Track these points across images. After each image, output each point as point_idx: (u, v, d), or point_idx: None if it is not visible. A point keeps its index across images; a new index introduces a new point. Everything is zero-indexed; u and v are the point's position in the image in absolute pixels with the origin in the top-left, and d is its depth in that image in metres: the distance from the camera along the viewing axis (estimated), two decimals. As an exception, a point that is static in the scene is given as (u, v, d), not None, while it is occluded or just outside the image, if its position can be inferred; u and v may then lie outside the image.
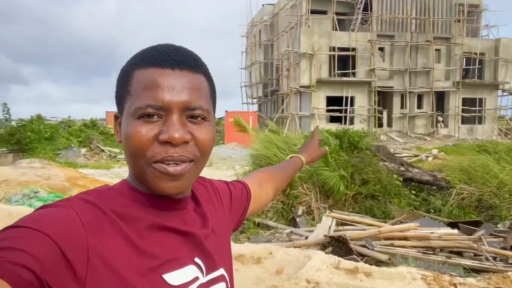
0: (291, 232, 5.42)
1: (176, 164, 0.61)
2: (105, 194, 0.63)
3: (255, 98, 31.38)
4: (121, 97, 0.65)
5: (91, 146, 16.54)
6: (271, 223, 5.76)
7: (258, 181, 1.03)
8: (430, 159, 13.85)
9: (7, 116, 16.49)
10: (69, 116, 19.42)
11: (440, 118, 23.79)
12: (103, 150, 16.43)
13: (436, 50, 24.10)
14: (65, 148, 15.20)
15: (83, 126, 18.60)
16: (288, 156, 1.26)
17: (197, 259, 0.67)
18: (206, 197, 0.80)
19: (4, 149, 14.42)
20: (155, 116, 0.60)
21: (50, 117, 21.32)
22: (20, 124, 15.89)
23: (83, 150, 15.89)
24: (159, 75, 0.61)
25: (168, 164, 0.61)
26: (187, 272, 0.65)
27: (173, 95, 0.61)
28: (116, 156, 15.69)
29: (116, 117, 0.68)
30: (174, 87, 0.61)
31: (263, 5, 29.87)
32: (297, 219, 5.75)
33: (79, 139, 16.79)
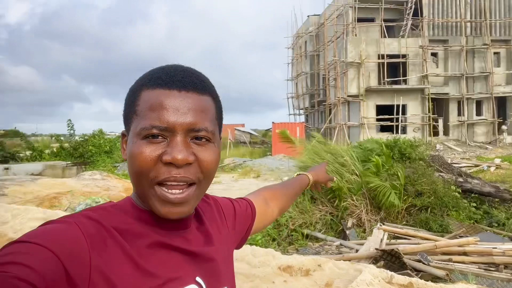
0: (341, 244, 5.30)
1: (179, 187, 0.61)
2: (108, 211, 0.63)
3: (301, 109, 31.27)
4: (128, 116, 0.66)
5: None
6: (320, 235, 5.68)
7: (263, 198, 1.01)
8: (492, 169, 12.89)
9: (72, 131, 17.86)
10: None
11: (504, 127, 22.07)
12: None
13: (495, 53, 22.59)
14: (122, 161, 16.10)
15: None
16: (295, 174, 1.24)
17: (198, 279, 0.67)
18: (209, 215, 0.79)
19: (69, 162, 15.61)
20: (160, 137, 0.61)
21: (109, 131, 22.70)
22: (82, 139, 17.15)
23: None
24: (165, 96, 0.62)
25: (171, 187, 0.61)
26: None
27: (178, 116, 0.61)
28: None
29: (124, 135, 0.69)
30: (180, 108, 0.61)
31: (308, 16, 29.91)
32: (347, 232, 5.62)
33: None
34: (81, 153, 16.24)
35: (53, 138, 19.44)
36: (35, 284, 0.46)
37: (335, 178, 1.51)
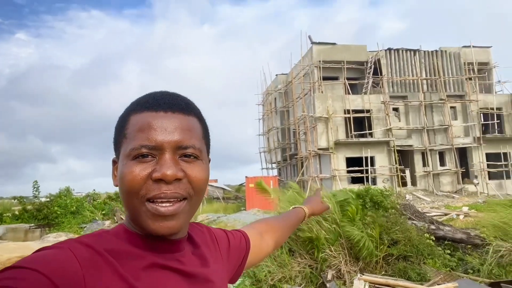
0: (322, 298, 5.14)
1: (169, 202, 0.62)
2: (101, 236, 0.64)
3: (274, 163, 31.62)
4: (118, 141, 0.68)
5: (115, 218, 16.67)
6: (300, 289, 5.51)
7: (258, 231, 1.00)
8: (461, 217, 13.26)
9: (36, 193, 17.05)
10: (94, 190, 19.88)
11: (475, 181, 23.09)
12: (126, 222, 16.46)
13: (451, 107, 24.29)
14: (89, 221, 15.35)
15: (107, 198, 18.94)
16: (291, 207, 1.23)
17: None
18: (203, 240, 0.79)
19: (32, 224, 14.68)
20: (149, 156, 0.63)
21: (76, 192, 21.88)
22: (48, 199, 16.34)
23: (107, 223, 15.99)
24: (153, 118, 0.65)
25: (161, 202, 0.62)
26: None
27: (166, 135, 0.63)
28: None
29: (114, 162, 0.70)
30: (167, 128, 0.64)
31: (276, 75, 31.46)
32: (327, 285, 5.49)
33: (103, 212, 17.01)
34: (46, 215, 15.37)
35: (16, 200, 18.44)
36: None
37: (330, 206, 1.56)
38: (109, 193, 20.26)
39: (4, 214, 17.17)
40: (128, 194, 0.63)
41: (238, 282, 5.21)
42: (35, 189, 16.99)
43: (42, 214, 15.38)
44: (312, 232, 5.90)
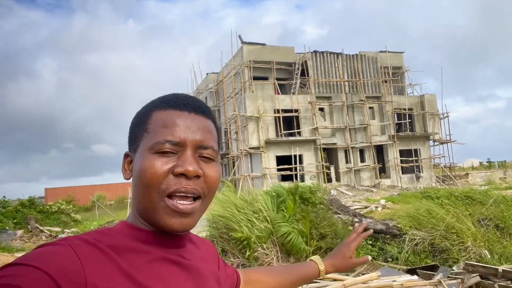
0: (255, 297, 5.16)
1: (188, 200, 0.65)
2: (103, 233, 0.65)
3: (205, 163, 31.30)
4: (136, 135, 0.70)
5: (29, 227, 15.10)
6: (233, 290, 5.47)
7: (246, 279, 0.96)
8: (379, 209, 14.35)
9: None
10: (4, 196, 17.82)
11: (420, 174, 25.24)
12: (42, 231, 15.02)
13: (370, 108, 26.22)
14: (-2, 232, 13.71)
15: (19, 205, 17.09)
16: (308, 259, 1.11)
17: None
18: (204, 246, 0.82)
19: None
20: (170, 152, 0.65)
21: (-20, 199, 19.39)
22: None
23: (19, 232, 14.43)
24: (177, 116, 0.68)
25: (180, 199, 0.64)
26: None
27: (189, 133, 0.67)
28: (57, 236, 14.39)
29: (126, 156, 0.72)
30: (190, 127, 0.68)
31: (207, 73, 31.15)
32: (260, 283, 5.53)
33: (15, 221, 15.32)
34: None
35: None
36: None
37: (369, 257, 1.25)
38: (22, 200, 18.33)
39: None
40: (147, 188, 0.64)
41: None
42: None
43: None
44: (244, 232, 5.90)
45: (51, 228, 15.32)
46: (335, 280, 5.21)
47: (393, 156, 25.72)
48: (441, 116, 27.70)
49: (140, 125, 0.70)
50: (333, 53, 26.07)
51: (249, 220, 6.25)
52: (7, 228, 14.11)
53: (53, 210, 17.28)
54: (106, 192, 28.60)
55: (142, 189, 0.65)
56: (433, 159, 27.35)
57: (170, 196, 0.64)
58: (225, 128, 26.44)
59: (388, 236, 7.76)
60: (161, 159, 0.64)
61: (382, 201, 16.53)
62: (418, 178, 25.38)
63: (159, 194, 0.64)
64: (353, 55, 26.63)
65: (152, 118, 0.69)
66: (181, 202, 0.64)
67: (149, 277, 0.61)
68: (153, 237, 0.67)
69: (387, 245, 7.35)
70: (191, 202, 0.65)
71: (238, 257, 6.01)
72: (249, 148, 22.53)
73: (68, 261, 0.54)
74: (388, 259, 6.94)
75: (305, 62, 24.97)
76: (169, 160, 0.65)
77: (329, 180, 23.86)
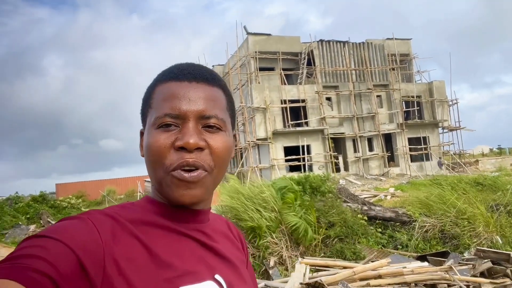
0: (265, 285, 5.19)
1: (191, 170, 0.62)
2: (124, 207, 0.65)
3: (213, 155, 31.38)
4: (144, 112, 0.69)
5: (41, 222, 15.35)
6: (243, 279, 5.50)
7: None
8: (388, 197, 14.30)
9: None
10: (16, 192, 18.09)
11: (441, 161, 24.99)
12: (54, 225, 15.26)
13: (377, 96, 25.96)
14: (11, 227, 13.96)
15: (31, 201, 17.36)
16: None
17: (218, 276, 0.65)
18: (225, 230, 0.79)
19: None
20: (173, 126, 0.64)
21: (-4, 195, 19.75)
22: (-42, 206, 14.52)
23: (32, 227, 14.67)
24: (177, 87, 0.66)
25: (185, 171, 0.62)
26: None
27: (189, 104, 0.64)
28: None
29: (142, 134, 0.71)
30: (191, 97, 0.65)
31: (213, 66, 31.06)
32: (270, 271, 5.55)
33: (27, 216, 15.58)
34: (-43, 222, 13.67)
35: None
36: (51, 275, 0.48)
37: None
38: (34, 195, 18.60)
39: None
40: (153, 163, 0.64)
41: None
42: None
43: (-48, 222, 13.63)
44: (254, 221, 5.91)
45: (63, 222, 15.52)
46: (345, 268, 5.21)
47: (401, 144, 25.52)
48: (450, 103, 27.33)
49: (146, 101, 0.69)
50: (340, 41, 25.78)
51: (257, 210, 6.27)
52: (20, 223, 14.36)
53: (64, 205, 17.51)
54: (115, 186, 28.87)
55: (149, 164, 0.65)
56: (442, 147, 27.07)
57: (175, 170, 0.63)
58: (232, 120, 26.43)
59: (397, 223, 7.72)
60: (164, 134, 0.63)
61: (391, 190, 16.48)
62: (441, 165, 25.05)
63: (164, 169, 0.63)
64: (359, 43, 26.30)
65: (155, 93, 0.67)
66: (185, 169, 0.63)
67: (167, 251, 0.61)
68: (171, 211, 0.66)
69: (396, 232, 7.31)
70: (194, 169, 0.63)
71: (247, 247, 6.04)
72: (257, 140, 22.52)
73: (87, 234, 0.55)
74: (398, 246, 6.92)
75: (311, 51, 24.74)
76: (171, 134, 0.63)
77: (338, 170, 23.79)
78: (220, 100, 0.69)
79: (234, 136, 0.75)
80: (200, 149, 0.63)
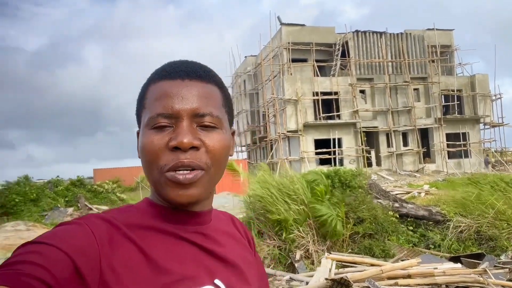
0: (291, 278, 5.18)
1: (187, 171, 0.61)
2: (122, 211, 0.65)
3: (243, 145, 31.57)
4: (138, 113, 0.68)
5: (78, 205, 16.10)
6: (269, 270, 5.52)
7: None
8: (422, 195, 13.82)
9: (-8, 179, 16.12)
10: (58, 176, 19.02)
11: (488, 158, 23.96)
12: (90, 209, 15.97)
13: (415, 89, 25.03)
14: (51, 209, 14.73)
15: (70, 185, 18.22)
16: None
17: (218, 281, 0.63)
18: (230, 228, 0.77)
19: (-12, 213, 13.91)
20: (167, 126, 0.62)
21: (37, 179, 20.87)
22: (5, 187, 15.47)
23: (70, 210, 15.42)
24: (169, 86, 0.64)
25: (179, 170, 0.60)
26: None
27: (182, 103, 0.62)
28: (105, 214, 15.20)
29: (138, 134, 0.70)
30: (183, 95, 0.63)
31: (245, 56, 31.06)
32: (296, 264, 5.54)
33: (66, 199, 16.37)
34: (3, 203, 14.58)
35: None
36: (47, 281, 0.47)
37: None
38: (72, 180, 19.51)
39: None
40: (148, 164, 0.63)
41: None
42: (-9, 176, 16.05)
43: (-2, 202, 14.56)
44: (281, 214, 5.90)
45: (99, 207, 16.23)
46: (372, 265, 5.10)
47: (439, 140, 24.55)
48: (493, 97, 25.91)
49: (140, 101, 0.68)
50: (376, 32, 24.99)
51: (285, 202, 6.24)
52: (59, 205, 15.11)
53: (100, 190, 18.24)
54: (149, 173, 29.66)
55: (144, 166, 0.64)
56: (483, 144, 25.79)
57: (170, 171, 0.61)
58: (263, 111, 26.41)
59: (430, 222, 7.45)
60: (158, 135, 0.62)
61: (426, 187, 15.91)
62: (487, 163, 23.94)
63: (159, 170, 0.61)
64: (397, 34, 25.39)
65: (148, 93, 0.66)
66: (180, 172, 0.61)
67: (164, 255, 0.60)
68: (170, 213, 0.65)
69: (429, 231, 7.06)
70: (190, 171, 0.61)
71: (274, 239, 6.04)
72: (287, 132, 22.40)
73: (83, 239, 0.55)
74: (430, 246, 6.68)
75: (346, 42, 24.16)
76: (165, 134, 0.62)
77: (369, 165, 23.28)
78: (214, 97, 0.66)
79: (233, 133, 0.73)
80: (195, 148, 0.61)
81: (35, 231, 8.39)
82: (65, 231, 0.56)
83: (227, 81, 33.02)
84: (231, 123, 0.71)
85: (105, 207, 15.80)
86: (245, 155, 32.05)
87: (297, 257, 5.68)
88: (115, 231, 0.59)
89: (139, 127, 0.68)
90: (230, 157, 0.71)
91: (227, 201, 15.82)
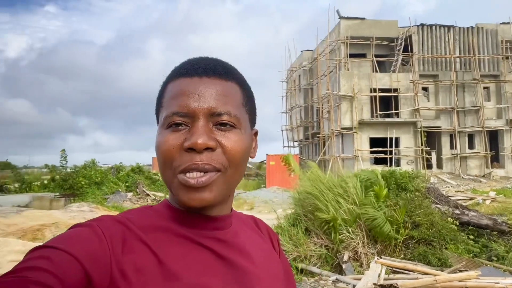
0: (337, 279, 5.07)
1: (200, 174, 0.58)
2: (139, 212, 0.63)
3: (296, 141, 31.38)
4: (157, 112, 0.66)
5: (137, 191, 17.06)
6: (315, 269, 5.44)
7: None
8: (487, 202, 12.78)
9: (64, 162, 17.60)
10: (121, 162, 20.29)
11: None
12: (148, 195, 16.85)
13: (485, 88, 23.13)
14: (112, 193, 15.80)
15: (130, 171, 19.36)
16: None
17: None
18: (254, 232, 0.74)
19: (58, 193, 15.23)
20: (183, 125, 0.60)
21: (103, 164, 22.46)
22: (73, 170, 16.85)
23: (129, 195, 16.40)
24: (186, 84, 0.62)
25: (192, 173, 0.58)
26: None
27: (198, 101, 0.60)
28: (160, 200, 15.99)
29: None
30: (200, 93, 0.60)
31: (302, 51, 30.70)
32: (343, 266, 5.39)
33: (127, 184, 17.43)
34: (71, 185, 15.91)
35: (47, 168, 19.08)
36: (54, 287, 0.47)
37: None
38: (133, 166, 20.70)
39: (33, 183, 17.88)
40: (163, 165, 0.61)
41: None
42: (63, 158, 17.55)
43: (67, 184, 15.91)
44: (330, 213, 5.77)
45: (156, 193, 17.07)
46: (426, 274, 4.82)
47: (510, 143, 22.51)
48: None
49: (158, 99, 0.66)
50: (444, 26, 23.39)
51: (336, 201, 6.09)
52: (120, 190, 16.14)
53: (157, 178, 19.17)
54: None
55: (159, 166, 0.62)
56: None
57: (183, 172, 0.59)
58: (317, 107, 25.99)
59: (494, 232, 6.87)
60: (173, 134, 0.60)
61: (492, 193, 14.70)
62: None
63: (173, 171, 0.59)
64: (467, 28, 23.56)
65: (166, 91, 0.64)
66: (193, 174, 0.58)
67: (177, 261, 0.58)
68: (186, 217, 0.63)
69: (492, 242, 6.51)
70: (203, 174, 0.58)
71: (321, 238, 5.93)
72: (341, 128, 21.85)
73: (95, 243, 0.54)
74: (493, 258, 6.16)
75: (409, 36, 22.90)
76: (180, 134, 0.59)
77: (429, 167, 21.99)
78: (234, 95, 0.63)
79: (256, 133, 0.69)
80: (210, 149, 0.59)
81: (97, 213, 9.03)
82: (76, 235, 0.55)
83: (282, 76, 32.94)
84: (253, 123, 0.69)
85: (161, 194, 16.58)
86: (297, 150, 31.86)
87: (345, 258, 5.54)
88: (128, 234, 0.57)
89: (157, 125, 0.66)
90: (250, 159, 0.68)
91: (276, 195, 15.85)
